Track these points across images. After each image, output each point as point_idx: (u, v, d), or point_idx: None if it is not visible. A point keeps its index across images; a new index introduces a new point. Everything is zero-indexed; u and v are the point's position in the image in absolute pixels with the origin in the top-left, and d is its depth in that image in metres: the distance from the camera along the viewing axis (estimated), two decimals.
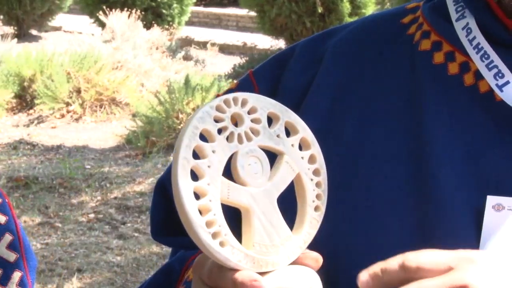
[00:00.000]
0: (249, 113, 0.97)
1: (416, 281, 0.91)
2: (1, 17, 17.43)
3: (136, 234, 6.30)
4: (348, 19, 13.17)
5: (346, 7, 13.31)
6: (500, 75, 1.09)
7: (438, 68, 1.15)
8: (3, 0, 17.03)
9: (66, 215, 6.69)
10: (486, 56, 1.10)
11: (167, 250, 5.91)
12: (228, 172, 0.95)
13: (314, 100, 1.20)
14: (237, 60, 14.04)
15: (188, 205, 0.91)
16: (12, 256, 1.19)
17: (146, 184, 7.40)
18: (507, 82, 1.08)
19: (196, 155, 0.93)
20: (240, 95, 0.97)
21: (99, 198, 7.12)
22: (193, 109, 8.58)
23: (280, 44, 14.31)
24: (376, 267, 0.94)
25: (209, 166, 0.93)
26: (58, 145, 8.98)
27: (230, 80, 10.85)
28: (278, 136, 0.99)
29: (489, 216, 1.05)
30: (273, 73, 1.27)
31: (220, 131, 0.95)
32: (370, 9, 13.86)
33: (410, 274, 0.92)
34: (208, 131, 0.94)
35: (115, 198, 7.11)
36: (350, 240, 1.10)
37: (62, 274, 5.56)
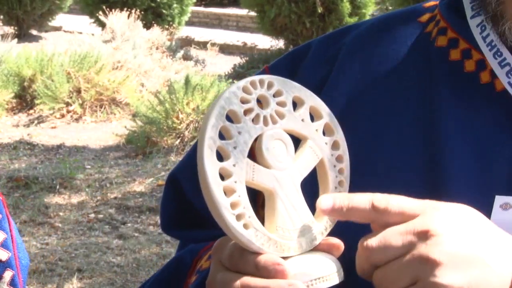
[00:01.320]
0: (274, 96, 0.98)
1: (381, 229, 0.93)
2: (1, 17, 17.41)
3: (136, 234, 6.29)
4: (348, 19, 13.16)
5: (346, 7, 13.30)
6: None
7: (454, 65, 1.16)
8: (3, 0, 17.01)
9: (66, 215, 6.68)
10: (499, 53, 1.11)
11: (167, 250, 5.91)
12: (251, 155, 0.95)
13: (329, 96, 1.20)
14: (237, 60, 14.04)
15: (214, 186, 0.91)
16: (4, 255, 1.18)
17: (146, 184, 7.40)
18: None
19: (221, 136, 0.92)
20: (266, 78, 0.98)
21: (99, 198, 7.12)
22: (193, 109, 8.58)
23: (280, 44, 14.30)
24: (343, 197, 0.95)
25: (235, 147, 0.93)
26: (58, 145, 8.98)
27: (230, 80, 10.84)
28: (302, 120, 0.99)
29: (496, 215, 1.06)
30: (289, 69, 1.27)
31: (246, 112, 0.94)
32: (370, 9, 13.85)
33: (377, 213, 0.94)
34: (235, 112, 0.94)
35: (115, 198, 7.11)
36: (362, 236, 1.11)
37: (62, 274, 5.56)
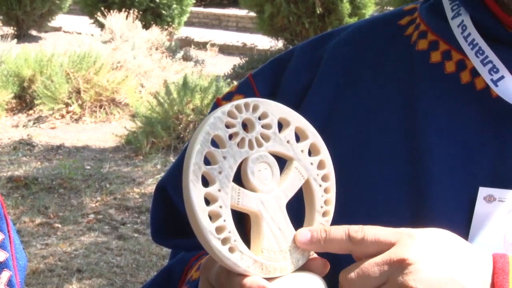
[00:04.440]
0: (259, 118, 0.98)
1: (358, 261, 0.96)
2: (1, 17, 17.41)
3: (135, 235, 6.30)
4: (348, 20, 13.16)
5: (346, 7, 13.30)
6: (494, 70, 1.11)
7: (435, 67, 1.18)
8: (2, 1, 17.02)
9: (66, 216, 6.69)
10: (481, 52, 1.12)
11: (167, 251, 5.91)
12: (237, 177, 0.96)
13: (313, 101, 1.22)
14: (236, 60, 14.04)
15: (199, 211, 0.92)
16: (1, 256, 1.18)
17: (146, 185, 7.40)
18: (502, 77, 1.10)
19: (207, 161, 0.93)
20: (252, 101, 0.98)
21: (98, 198, 7.12)
22: (193, 110, 8.59)
23: (279, 44, 14.31)
24: (321, 230, 0.98)
25: (220, 172, 0.94)
26: (57, 146, 8.98)
27: (229, 80, 10.85)
28: (288, 141, 1.00)
29: (480, 206, 1.08)
30: (272, 76, 1.28)
31: (231, 136, 0.95)
32: (370, 10, 13.85)
33: (354, 244, 0.96)
34: (220, 137, 0.95)
35: (115, 198, 7.12)
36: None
37: (61, 274, 5.56)
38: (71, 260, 5.79)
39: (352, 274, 0.95)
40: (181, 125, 8.51)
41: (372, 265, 0.94)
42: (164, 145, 8.44)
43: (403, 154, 1.14)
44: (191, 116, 8.51)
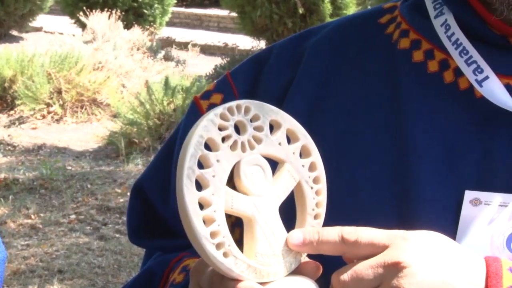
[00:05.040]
0: (251, 120, 0.97)
1: (351, 262, 0.95)
2: None
3: (117, 235, 6.28)
4: (330, 20, 13.17)
5: (327, 7, 13.32)
6: (479, 70, 1.10)
7: (417, 66, 1.17)
8: None
9: (47, 216, 6.66)
10: (465, 51, 1.11)
11: None
12: (229, 180, 0.95)
13: (294, 100, 1.21)
14: (218, 60, 14.03)
15: (193, 216, 0.91)
16: None
17: (127, 185, 7.38)
18: (486, 77, 1.09)
19: (200, 164, 0.92)
20: (243, 103, 0.97)
21: (80, 199, 7.10)
22: (174, 110, 8.57)
23: (261, 44, 14.31)
24: (313, 232, 0.97)
25: (213, 176, 0.93)
26: (39, 146, 8.95)
27: (211, 80, 10.84)
28: (279, 143, 0.99)
29: (466, 210, 1.07)
30: (251, 75, 1.27)
31: (224, 139, 0.94)
32: (351, 10, 13.88)
33: (348, 246, 0.95)
34: (213, 140, 0.94)
35: (96, 199, 7.10)
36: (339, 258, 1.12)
37: (42, 275, 5.54)
38: (52, 261, 5.78)
39: (345, 276, 0.94)
40: (163, 126, 8.50)
41: (366, 267, 0.93)
42: (145, 145, 8.42)
43: (389, 153, 1.13)
44: (173, 116, 8.50)
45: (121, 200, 7.04)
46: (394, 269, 0.92)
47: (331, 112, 1.19)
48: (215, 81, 1.33)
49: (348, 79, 1.20)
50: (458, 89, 1.13)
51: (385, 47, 1.20)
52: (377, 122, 1.16)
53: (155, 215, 1.30)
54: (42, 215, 6.71)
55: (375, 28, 1.23)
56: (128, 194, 7.00)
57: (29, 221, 6.59)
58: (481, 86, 1.10)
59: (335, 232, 0.96)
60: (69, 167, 8.06)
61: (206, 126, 0.93)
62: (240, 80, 1.28)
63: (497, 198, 1.07)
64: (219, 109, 0.95)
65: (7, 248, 5.93)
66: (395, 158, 1.12)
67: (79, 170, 7.91)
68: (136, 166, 7.97)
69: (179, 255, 1.29)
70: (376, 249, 0.94)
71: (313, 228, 1.00)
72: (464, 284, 0.93)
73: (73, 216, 6.70)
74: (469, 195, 1.08)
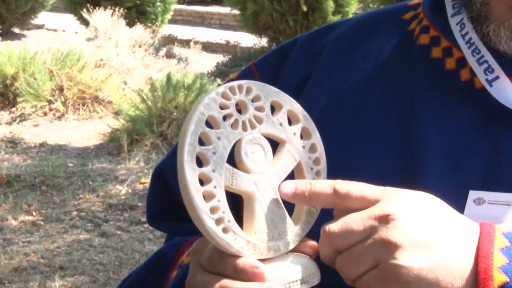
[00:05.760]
0: (253, 101, 0.99)
1: (343, 215, 0.95)
2: None
3: (118, 232, 6.29)
4: (332, 17, 13.18)
5: (330, 5, 13.32)
6: (490, 70, 1.11)
7: (435, 63, 1.18)
8: None
9: (49, 213, 6.67)
10: (477, 51, 1.12)
11: (149, 248, 5.91)
12: (230, 159, 0.96)
13: (312, 93, 1.22)
14: (220, 58, 14.04)
15: (193, 191, 0.92)
16: None
17: (129, 182, 7.39)
18: (497, 77, 1.10)
19: (201, 142, 0.94)
20: (245, 83, 0.99)
21: (81, 196, 7.11)
22: (176, 107, 8.58)
23: (263, 42, 14.31)
24: (306, 183, 0.98)
25: (214, 153, 0.94)
26: (40, 143, 8.95)
27: (212, 78, 10.84)
28: (280, 124, 1.01)
29: (470, 209, 1.08)
30: (274, 65, 1.30)
31: (225, 118, 0.96)
32: (353, 7, 13.89)
33: (339, 198, 0.96)
34: (214, 117, 0.95)
35: (98, 196, 7.10)
36: None
37: (44, 272, 5.55)
38: (54, 258, 5.78)
39: (334, 226, 0.94)
40: (165, 123, 8.50)
41: (356, 219, 0.94)
42: (147, 142, 8.42)
43: (397, 144, 1.14)
44: (175, 114, 8.51)
45: (123, 197, 7.05)
46: (383, 221, 0.92)
47: (345, 108, 1.20)
48: (239, 71, 1.36)
49: (366, 75, 1.22)
50: (474, 87, 1.14)
51: (406, 42, 1.22)
52: (388, 117, 1.17)
53: (174, 199, 1.32)
54: (43, 212, 6.72)
55: (398, 24, 1.25)
56: (130, 191, 7.03)
57: (31, 217, 6.60)
58: (491, 85, 1.11)
59: (327, 184, 0.97)
60: (71, 164, 8.06)
61: (208, 104, 0.95)
62: (263, 70, 1.30)
63: (501, 197, 1.08)
64: (221, 88, 0.97)
65: (8, 245, 5.94)
66: (403, 149, 1.14)
67: (80, 167, 7.91)
68: (138, 163, 7.97)
69: (190, 239, 1.30)
70: (367, 203, 0.95)
71: (306, 179, 1.01)
72: (456, 244, 0.93)
73: (74, 213, 6.71)
74: (473, 194, 1.08)
